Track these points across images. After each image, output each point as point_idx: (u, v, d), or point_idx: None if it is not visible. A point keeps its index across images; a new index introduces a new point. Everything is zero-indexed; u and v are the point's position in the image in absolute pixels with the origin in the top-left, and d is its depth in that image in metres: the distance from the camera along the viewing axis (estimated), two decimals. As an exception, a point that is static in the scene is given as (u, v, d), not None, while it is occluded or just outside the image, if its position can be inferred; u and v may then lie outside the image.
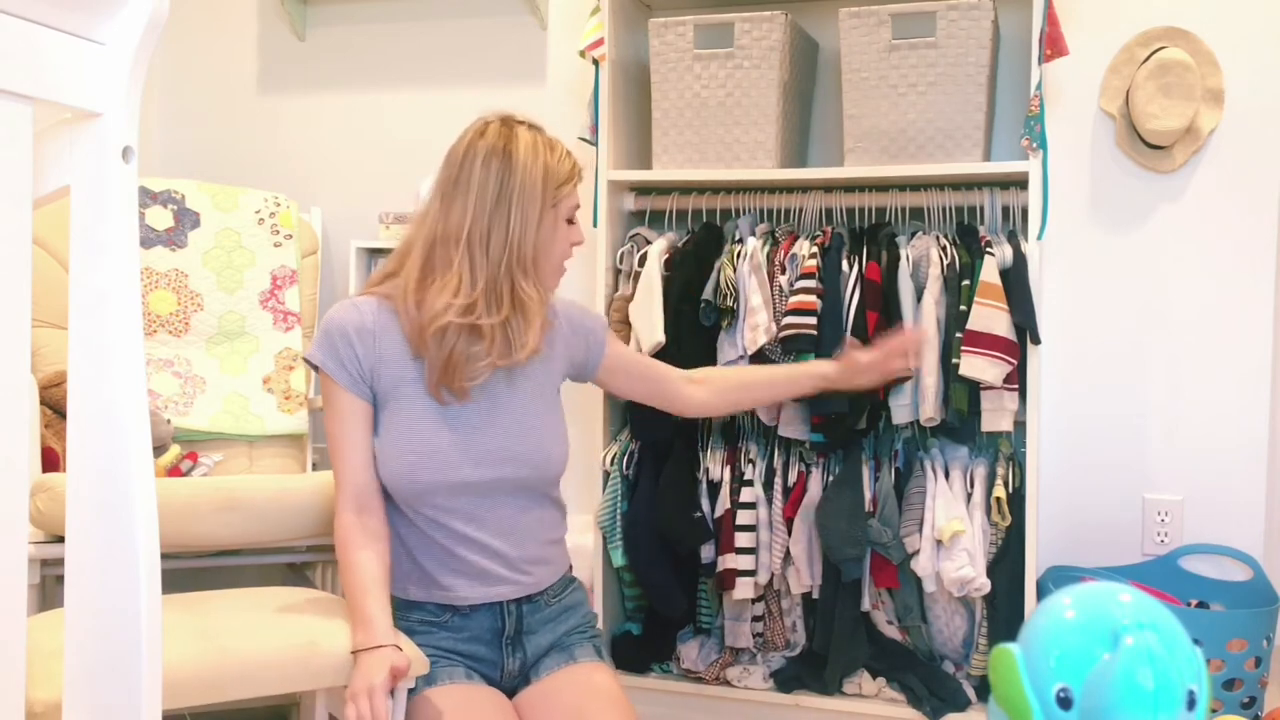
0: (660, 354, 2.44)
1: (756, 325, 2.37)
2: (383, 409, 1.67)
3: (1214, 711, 2.18)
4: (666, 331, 2.44)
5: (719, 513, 2.48)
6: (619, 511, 2.53)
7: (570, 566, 1.84)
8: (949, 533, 2.28)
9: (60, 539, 1.85)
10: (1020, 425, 2.34)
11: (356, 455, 1.66)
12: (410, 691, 1.63)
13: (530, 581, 1.73)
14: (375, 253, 2.96)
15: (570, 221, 1.74)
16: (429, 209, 1.71)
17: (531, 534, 1.73)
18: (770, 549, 2.43)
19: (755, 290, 2.39)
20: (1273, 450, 2.51)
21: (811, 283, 2.36)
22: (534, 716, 1.67)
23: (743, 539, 2.44)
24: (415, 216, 1.76)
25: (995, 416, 2.30)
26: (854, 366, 1.96)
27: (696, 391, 1.98)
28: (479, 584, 1.69)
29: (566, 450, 1.78)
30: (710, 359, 2.44)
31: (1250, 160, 2.48)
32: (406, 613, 1.71)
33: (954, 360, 2.28)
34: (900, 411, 2.35)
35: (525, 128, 1.71)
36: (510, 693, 1.72)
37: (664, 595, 2.52)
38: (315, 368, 1.68)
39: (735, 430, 2.57)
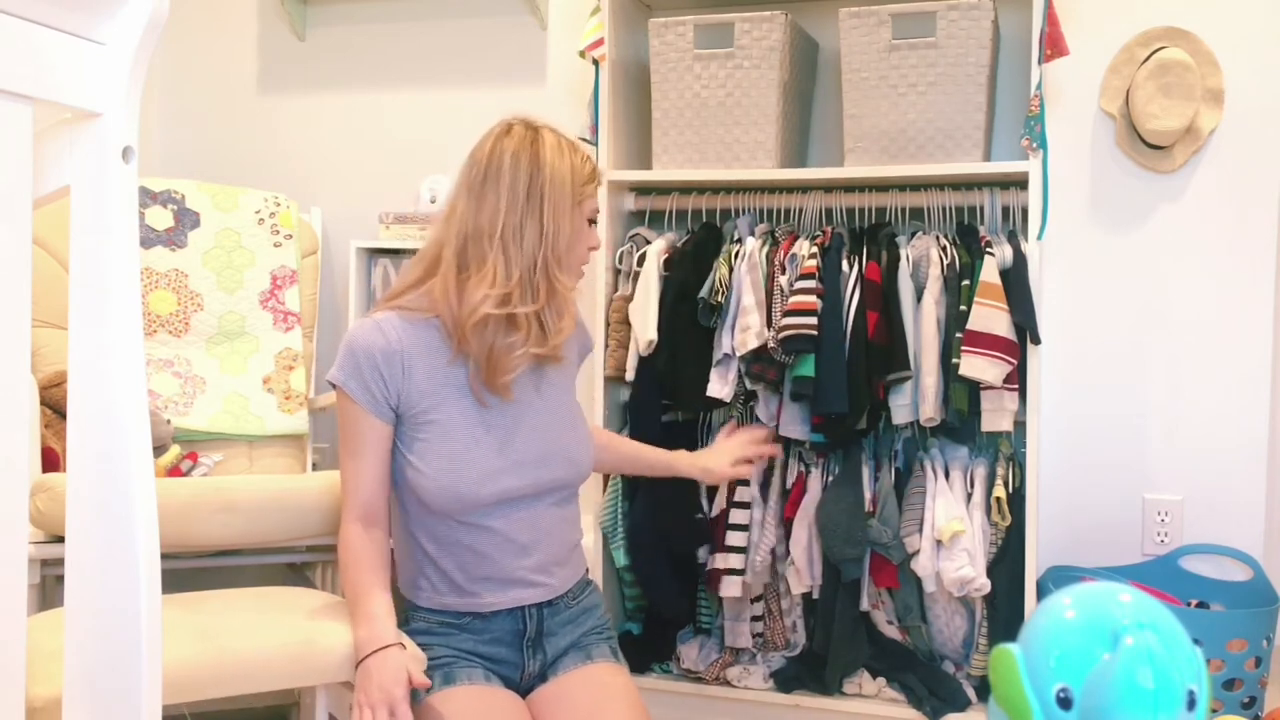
0: (654, 353, 2.45)
1: (748, 327, 2.37)
2: (417, 427, 1.67)
3: (1214, 711, 2.18)
4: (661, 331, 2.44)
5: (715, 511, 2.48)
6: (620, 512, 2.53)
7: (587, 569, 1.86)
8: (949, 533, 2.28)
9: (60, 539, 1.85)
10: (1020, 425, 2.34)
11: (369, 473, 1.67)
12: (428, 691, 1.64)
13: (554, 585, 1.74)
14: (375, 252, 2.96)
15: (591, 223, 1.76)
16: (455, 208, 1.71)
17: (558, 535, 1.75)
18: (758, 549, 2.43)
19: (749, 291, 2.39)
20: (1273, 450, 2.51)
21: (811, 283, 2.36)
22: (548, 715, 1.67)
23: (734, 538, 2.44)
24: (438, 219, 1.76)
25: (995, 416, 2.30)
26: (714, 471, 2.05)
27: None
28: (504, 590, 1.70)
29: (594, 450, 1.83)
30: (706, 358, 2.44)
31: (1250, 160, 2.48)
32: (426, 614, 1.72)
33: (954, 360, 2.28)
34: (900, 411, 2.35)
35: (548, 130, 1.74)
36: (527, 692, 1.72)
37: (664, 595, 2.52)
38: (334, 386, 1.68)
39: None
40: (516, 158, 1.67)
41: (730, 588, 2.43)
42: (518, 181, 1.67)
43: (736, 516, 2.45)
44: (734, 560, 2.43)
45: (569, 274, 1.73)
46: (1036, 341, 2.28)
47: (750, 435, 2.10)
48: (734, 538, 2.44)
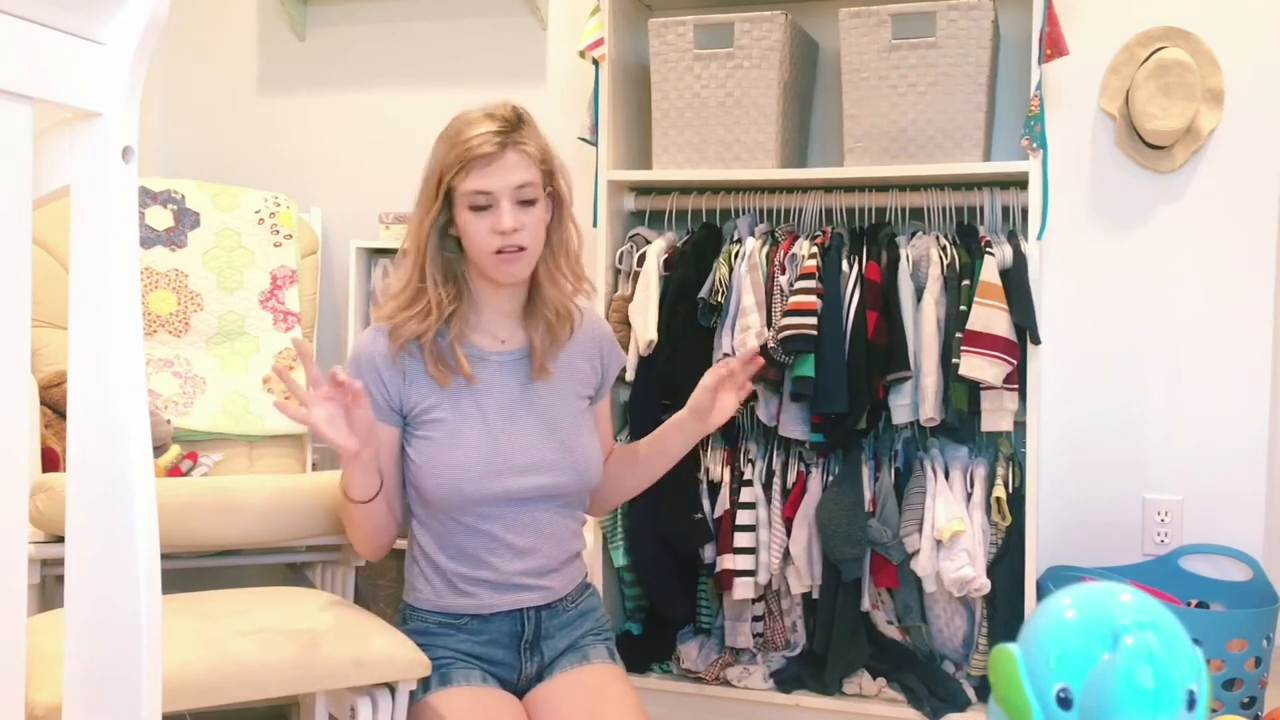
0: (654, 353, 2.45)
1: (748, 327, 2.37)
2: (420, 425, 1.69)
3: (1214, 711, 2.18)
4: (660, 331, 2.44)
5: (718, 513, 2.48)
6: (620, 512, 2.53)
7: (586, 573, 1.86)
8: (949, 533, 2.28)
9: (60, 539, 1.84)
10: (1020, 425, 2.34)
11: None
12: (425, 692, 1.64)
13: (551, 590, 1.74)
14: (375, 252, 2.96)
15: (477, 209, 1.65)
16: None
17: (557, 543, 1.75)
18: (769, 549, 2.43)
19: (749, 291, 2.39)
20: (1273, 450, 2.51)
21: (811, 283, 2.36)
22: (545, 716, 1.68)
23: (742, 539, 2.44)
24: None
25: (995, 416, 2.30)
26: (701, 406, 1.80)
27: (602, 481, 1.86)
28: (502, 593, 1.70)
29: (601, 462, 1.81)
30: (706, 358, 2.44)
31: (1250, 160, 2.48)
32: (424, 614, 1.72)
33: (954, 360, 2.28)
34: (900, 411, 2.35)
35: (462, 114, 1.71)
36: (524, 693, 1.73)
37: (666, 597, 2.52)
38: None
39: (735, 430, 2.57)
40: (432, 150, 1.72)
41: (743, 589, 2.42)
42: (422, 181, 1.73)
43: (743, 517, 2.45)
44: (743, 561, 2.43)
45: (483, 269, 1.69)
46: (1036, 341, 2.28)
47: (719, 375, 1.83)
48: (741, 539, 2.44)
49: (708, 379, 1.81)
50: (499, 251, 1.65)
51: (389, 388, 1.68)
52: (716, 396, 1.80)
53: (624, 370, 2.49)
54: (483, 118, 1.68)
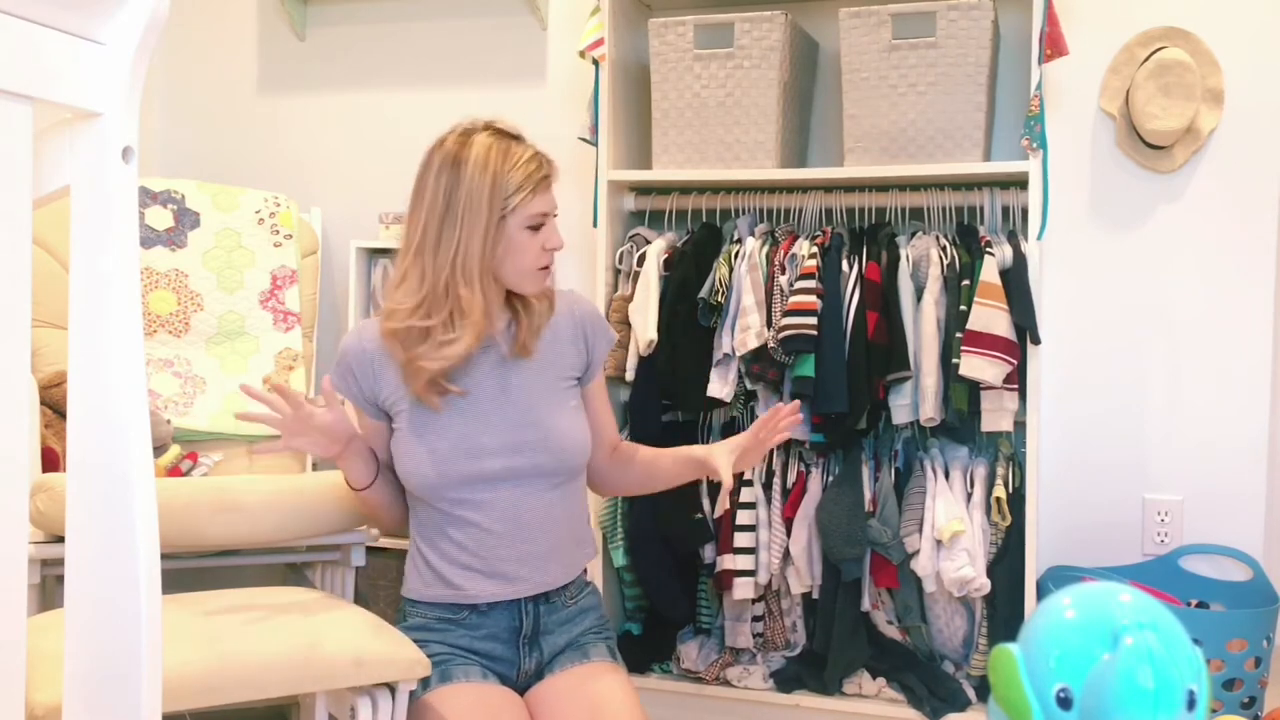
0: (654, 353, 2.45)
1: (748, 327, 2.37)
2: (395, 417, 1.75)
3: (1214, 711, 2.18)
4: (660, 331, 2.44)
5: (718, 513, 2.48)
6: (620, 512, 2.53)
7: (585, 570, 1.86)
8: (949, 533, 2.28)
9: (60, 539, 1.84)
10: (1020, 425, 2.34)
11: None
12: (425, 689, 1.64)
13: (544, 581, 1.74)
14: (375, 252, 2.96)
15: (535, 228, 1.70)
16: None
17: (544, 528, 1.75)
18: (769, 549, 2.43)
19: (749, 291, 2.39)
20: (1273, 450, 2.51)
21: (811, 283, 2.36)
22: (545, 713, 1.68)
23: (742, 539, 2.44)
24: None
25: (995, 416, 2.30)
26: (728, 454, 1.83)
27: (605, 464, 1.91)
28: (494, 581, 1.71)
29: (586, 440, 1.80)
30: (706, 358, 2.44)
31: (1250, 160, 2.48)
32: (425, 610, 1.74)
33: (954, 360, 2.28)
34: (900, 411, 2.35)
35: (486, 134, 1.70)
36: (524, 690, 1.73)
37: (666, 597, 2.52)
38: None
39: (735, 429, 2.57)
40: (440, 171, 1.70)
41: (743, 589, 2.42)
42: (437, 196, 1.69)
43: (743, 517, 2.45)
44: (743, 561, 2.43)
45: (516, 285, 1.72)
46: (1036, 341, 2.28)
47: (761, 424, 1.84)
48: (741, 539, 2.44)
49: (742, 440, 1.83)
50: (544, 267, 1.74)
51: (361, 384, 1.74)
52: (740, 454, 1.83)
53: (624, 370, 2.51)
54: (512, 139, 1.72)
